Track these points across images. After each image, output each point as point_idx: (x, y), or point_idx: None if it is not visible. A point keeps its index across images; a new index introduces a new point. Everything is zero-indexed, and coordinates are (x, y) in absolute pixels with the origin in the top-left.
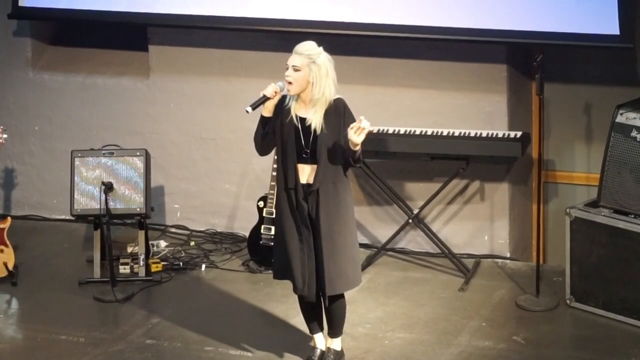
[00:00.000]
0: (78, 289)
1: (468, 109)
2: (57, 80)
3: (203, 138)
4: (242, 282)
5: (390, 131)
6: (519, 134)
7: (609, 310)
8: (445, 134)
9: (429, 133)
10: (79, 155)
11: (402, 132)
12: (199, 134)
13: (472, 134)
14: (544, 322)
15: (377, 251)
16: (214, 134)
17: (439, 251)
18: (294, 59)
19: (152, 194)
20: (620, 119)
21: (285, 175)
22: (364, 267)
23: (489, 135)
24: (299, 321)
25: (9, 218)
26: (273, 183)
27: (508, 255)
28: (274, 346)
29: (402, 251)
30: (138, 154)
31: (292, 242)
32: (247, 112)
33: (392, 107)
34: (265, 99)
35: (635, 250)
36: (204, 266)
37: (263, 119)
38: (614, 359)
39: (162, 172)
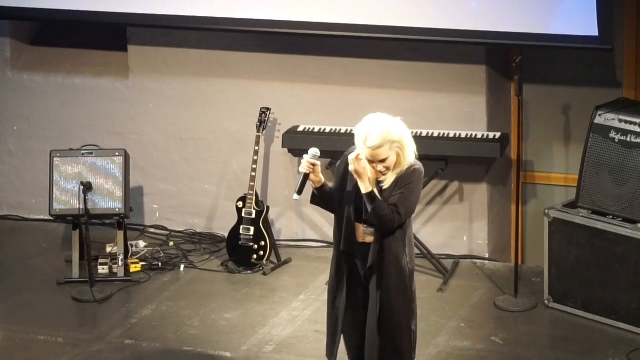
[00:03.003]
0: (57, 289)
1: (447, 110)
2: (36, 81)
3: (182, 139)
4: (221, 283)
5: None
6: (498, 134)
7: (588, 311)
8: (424, 134)
9: None
10: (58, 155)
11: None
12: (179, 135)
13: (451, 135)
14: (522, 323)
15: None
16: (193, 135)
17: (418, 252)
18: (374, 155)
19: (131, 195)
20: (599, 120)
21: (340, 237)
22: None
23: (468, 136)
24: (277, 322)
25: None
26: (252, 183)
27: (487, 256)
28: (252, 346)
29: None
30: (117, 154)
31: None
32: (295, 199)
33: (372, 107)
34: (306, 176)
35: (613, 251)
36: (182, 266)
37: (316, 190)
38: (592, 359)
39: (141, 173)
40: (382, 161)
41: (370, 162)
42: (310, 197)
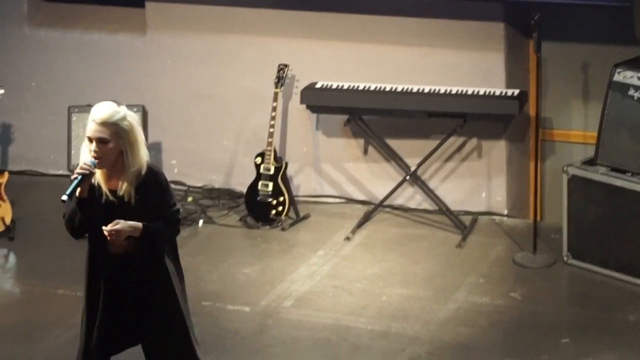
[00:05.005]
0: (75, 244)
1: (465, 67)
2: (53, 37)
3: (200, 95)
4: (240, 238)
5: (388, 88)
6: (517, 92)
7: (606, 268)
8: (442, 91)
9: (426, 91)
10: (76, 110)
11: (399, 89)
12: (196, 91)
13: (470, 92)
14: (540, 279)
15: (374, 208)
16: (211, 91)
17: (437, 208)
18: (97, 130)
19: (149, 150)
20: (617, 77)
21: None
22: (361, 224)
23: (486, 93)
24: (295, 277)
25: (6, 173)
26: (270, 139)
27: (505, 212)
28: (271, 301)
29: (400, 208)
30: (135, 109)
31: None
32: (63, 201)
33: (389, 64)
34: (79, 180)
35: (632, 209)
36: (201, 222)
37: (80, 202)
38: (610, 315)
39: (159, 129)
40: (102, 143)
41: (90, 140)
42: (76, 204)
